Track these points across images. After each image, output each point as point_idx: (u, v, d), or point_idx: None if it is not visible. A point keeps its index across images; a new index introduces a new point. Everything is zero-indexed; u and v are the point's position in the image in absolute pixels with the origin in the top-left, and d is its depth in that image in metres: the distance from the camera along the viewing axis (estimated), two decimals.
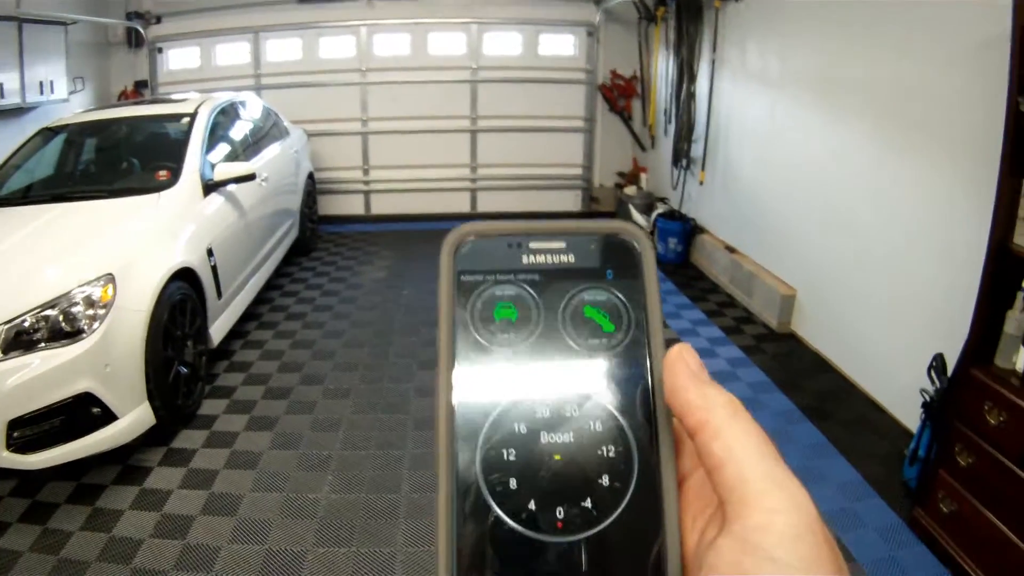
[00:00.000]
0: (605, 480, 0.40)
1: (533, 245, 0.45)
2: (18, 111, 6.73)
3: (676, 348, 0.43)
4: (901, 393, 3.88)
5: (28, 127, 5.92)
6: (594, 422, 0.42)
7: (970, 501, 2.81)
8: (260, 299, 6.03)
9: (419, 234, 8.51)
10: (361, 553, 3.18)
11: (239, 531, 3.33)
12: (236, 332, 5.36)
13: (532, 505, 0.40)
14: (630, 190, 8.53)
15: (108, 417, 3.54)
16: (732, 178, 6.41)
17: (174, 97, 6.60)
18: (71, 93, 7.54)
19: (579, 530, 0.39)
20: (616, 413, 0.42)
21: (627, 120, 9.02)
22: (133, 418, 3.66)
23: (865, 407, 4.26)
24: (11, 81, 6.42)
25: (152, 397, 3.79)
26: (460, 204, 9.31)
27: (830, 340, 4.87)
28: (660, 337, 0.44)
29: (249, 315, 5.72)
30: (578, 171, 9.31)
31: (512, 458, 0.40)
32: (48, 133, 5.50)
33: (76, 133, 5.59)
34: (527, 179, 9.19)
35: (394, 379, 4.79)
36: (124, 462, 3.81)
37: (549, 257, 0.45)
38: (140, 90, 8.90)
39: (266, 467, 3.83)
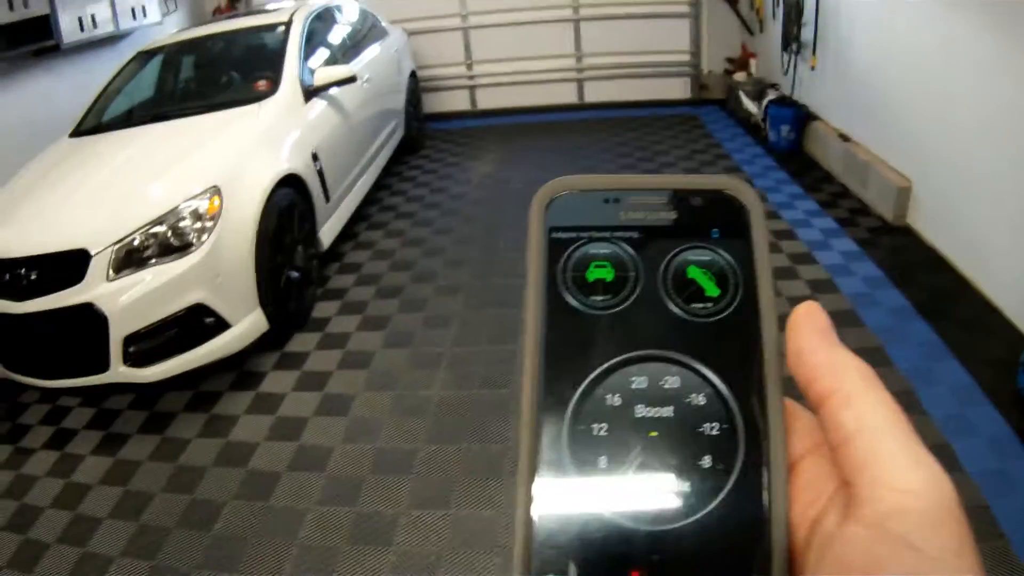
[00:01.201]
0: (707, 461, 0.36)
1: (631, 200, 0.41)
2: (113, 39, 6.77)
3: (804, 306, 0.39)
4: (1020, 296, 3.55)
5: (125, 53, 5.95)
6: (696, 395, 0.37)
7: None
8: (369, 200, 6.01)
9: (526, 127, 8.27)
10: (472, 449, 3.14)
11: (351, 431, 3.35)
12: (346, 234, 5.36)
13: (624, 488, 0.35)
14: (740, 76, 8.06)
15: (221, 326, 3.60)
16: (845, 62, 5.89)
17: (269, 7, 6.54)
18: (164, 15, 7.56)
19: (676, 518, 0.35)
20: (722, 386, 0.37)
21: (734, 4, 8.42)
22: (246, 325, 3.71)
23: (981, 308, 3.87)
24: (103, 10, 6.45)
25: (264, 304, 3.82)
26: (566, 95, 8.97)
27: (947, 236, 4.45)
28: (772, 303, 0.39)
29: (358, 216, 5.71)
30: (685, 57, 8.73)
31: (603, 433, 0.36)
32: (144, 56, 5.53)
33: (172, 54, 5.61)
34: (633, 67, 8.71)
35: (504, 274, 4.69)
36: (239, 368, 3.89)
37: (648, 213, 0.41)
38: (235, 4, 8.87)
39: (378, 366, 3.84)
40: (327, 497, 2.97)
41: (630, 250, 0.40)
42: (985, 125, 3.93)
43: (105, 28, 6.46)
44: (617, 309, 0.39)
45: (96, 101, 5.10)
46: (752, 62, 8.10)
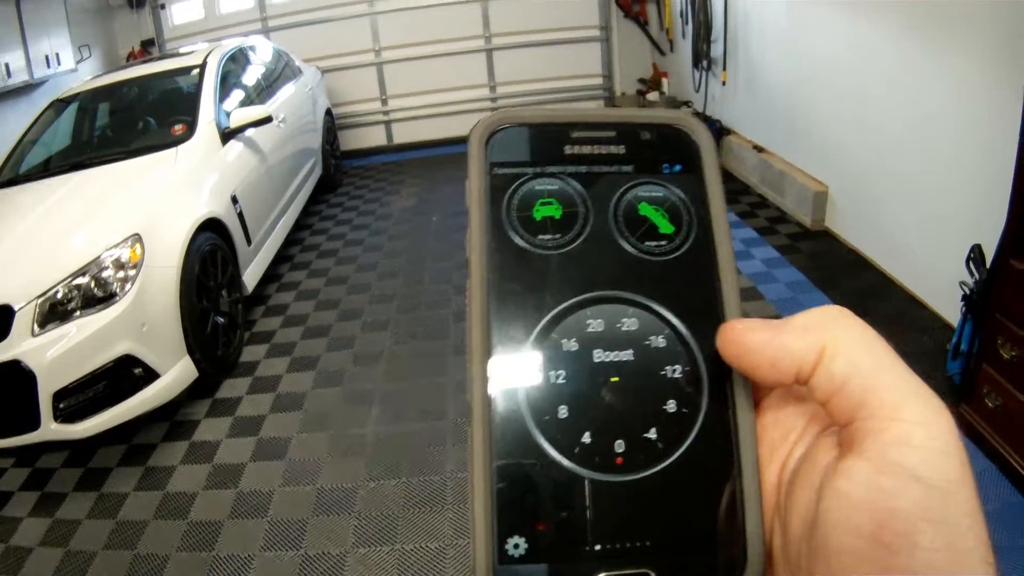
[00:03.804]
0: (671, 406, 0.35)
1: (577, 134, 0.40)
2: (28, 88, 6.67)
3: (725, 325, 0.37)
4: (941, 287, 3.73)
5: (40, 102, 5.86)
6: (656, 337, 0.36)
7: (1015, 395, 2.68)
8: (291, 240, 6.01)
9: (444, 159, 8.37)
10: (412, 483, 3.19)
11: (290, 474, 3.36)
12: (270, 276, 5.36)
13: (586, 438, 0.34)
14: (653, 96, 8.31)
15: (150, 376, 3.56)
16: (755, 76, 6.15)
17: (182, 51, 6.51)
18: (78, 62, 7.46)
19: (642, 466, 0.34)
20: (681, 326, 0.37)
21: (643, 25, 8.68)
22: (175, 374, 3.69)
23: (905, 303, 4.10)
24: (16, 59, 6.35)
25: (192, 351, 3.81)
26: None
27: (866, 236, 4.69)
28: (728, 239, 0.39)
29: (281, 257, 5.71)
30: (598, 80, 9.05)
31: (561, 381, 0.35)
32: (60, 105, 5.46)
33: (88, 100, 5.53)
34: (548, 93, 8.95)
35: (431, 306, 4.77)
36: (171, 418, 3.86)
37: (597, 148, 0.40)
38: (148, 49, 8.77)
39: (311, 407, 3.86)
40: (271, 542, 2.97)
41: (578, 186, 0.39)
42: (897, 125, 4.15)
43: (19, 77, 6.37)
44: (568, 248, 0.38)
45: (12, 152, 5.02)
46: (664, 81, 8.33)
